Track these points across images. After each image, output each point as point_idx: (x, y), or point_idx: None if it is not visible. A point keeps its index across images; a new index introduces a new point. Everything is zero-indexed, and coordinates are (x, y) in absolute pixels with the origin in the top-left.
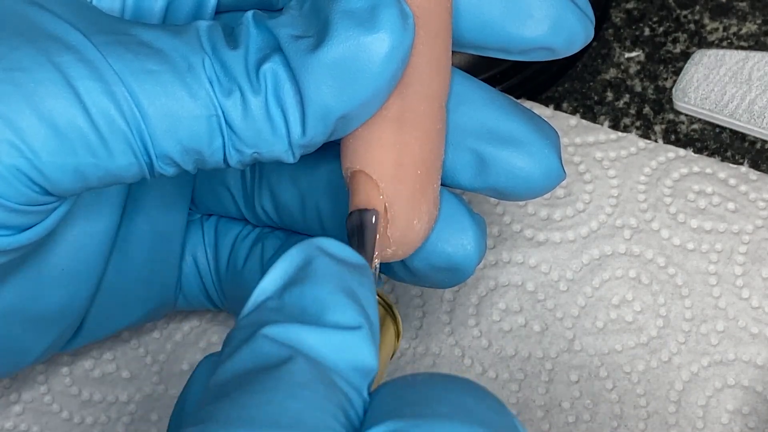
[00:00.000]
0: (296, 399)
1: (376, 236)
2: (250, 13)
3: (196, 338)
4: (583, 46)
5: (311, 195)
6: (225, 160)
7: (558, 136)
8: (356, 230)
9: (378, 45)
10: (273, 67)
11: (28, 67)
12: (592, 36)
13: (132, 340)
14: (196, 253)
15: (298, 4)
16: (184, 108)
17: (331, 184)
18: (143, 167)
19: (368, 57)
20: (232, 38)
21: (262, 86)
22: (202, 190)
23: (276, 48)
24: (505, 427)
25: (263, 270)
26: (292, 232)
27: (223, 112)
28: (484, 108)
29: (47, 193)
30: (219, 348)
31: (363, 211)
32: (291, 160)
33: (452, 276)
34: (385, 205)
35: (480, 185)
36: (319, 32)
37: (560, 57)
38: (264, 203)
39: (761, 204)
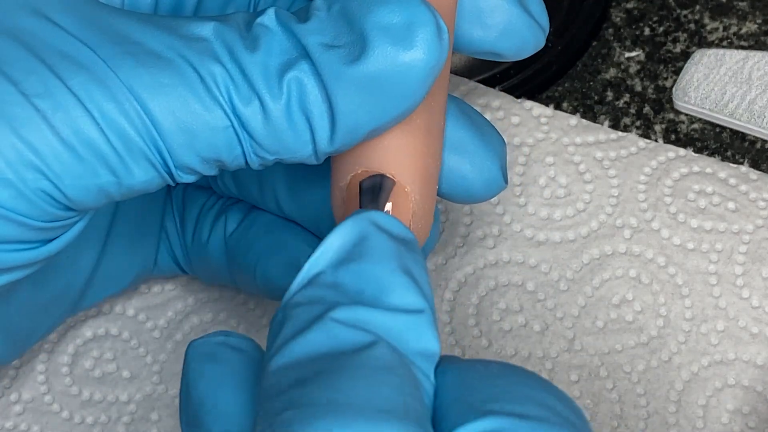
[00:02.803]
0: (385, 384)
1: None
2: (272, 12)
3: (196, 338)
4: (532, 53)
5: (268, 174)
6: (247, 164)
7: (504, 145)
8: (371, 191)
9: (416, 63)
10: (299, 75)
11: (43, 93)
12: (543, 44)
13: (132, 340)
14: (166, 222)
15: (325, 5)
16: (199, 120)
17: (288, 170)
18: (165, 178)
19: (405, 75)
20: (250, 37)
21: (283, 92)
22: None
23: (302, 54)
24: (586, 430)
25: (226, 245)
26: (252, 207)
27: (241, 122)
28: None
29: (70, 209)
30: None
31: (382, 177)
32: (314, 162)
33: None
34: (411, 218)
35: None
36: (352, 45)
37: (510, 61)
38: (225, 176)
39: (761, 204)
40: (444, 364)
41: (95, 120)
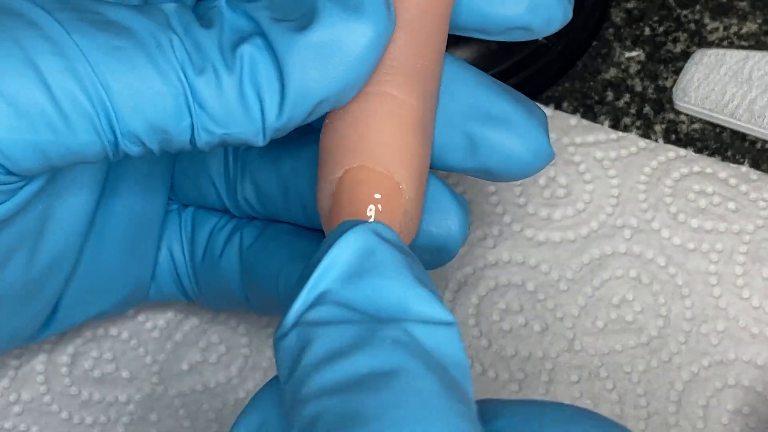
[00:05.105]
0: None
1: None
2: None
3: (196, 338)
4: (561, 27)
5: (294, 182)
6: (192, 140)
7: (545, 116)
8: None
9: (363, 31)
10: (251, 48)
11: None
12: (571, 16)
13: (132, 340)
14: (172, 244)
15: None
16: (151, 86)
17: (313, 170)
18: (105, 145)
19: (353, 43)
20: (205, 20)
21: (237, 65)
22: (182, 179)
23: (255, 30)
24: None
25: (242, 259)
26: (270, 221)
27: (193, 91)
28: (475, 89)
29: (9, 172)
30: (219, 348)
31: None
32: (260, 143)
33: (437, 257)
34: (403, 217)
35: (470, 166)
36: (304, 15)
37: (538, 37)
38: (246, 193)
39: (762, 204)
40: (499, 402)
41: (40, 74)
